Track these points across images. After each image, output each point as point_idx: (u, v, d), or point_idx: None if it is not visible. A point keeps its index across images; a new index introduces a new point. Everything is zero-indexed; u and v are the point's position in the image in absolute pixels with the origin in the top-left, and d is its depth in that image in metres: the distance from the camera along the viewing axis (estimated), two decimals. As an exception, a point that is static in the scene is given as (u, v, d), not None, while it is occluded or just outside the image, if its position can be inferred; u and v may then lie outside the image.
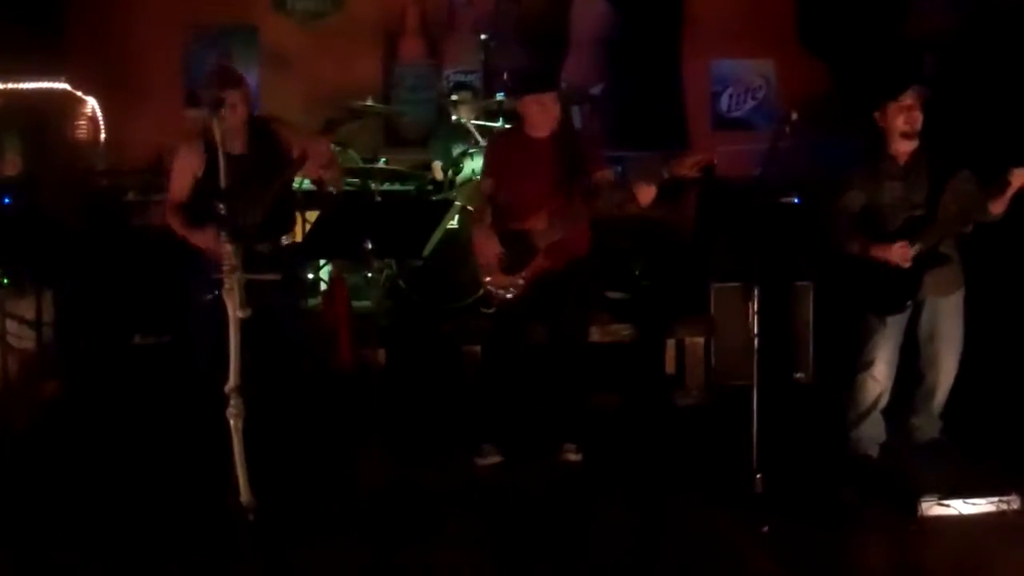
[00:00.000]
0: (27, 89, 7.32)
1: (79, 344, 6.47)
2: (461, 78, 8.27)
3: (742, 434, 4.71)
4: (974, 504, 4.59)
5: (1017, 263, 6.24)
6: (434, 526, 4.59)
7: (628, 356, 6.71)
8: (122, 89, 7.86)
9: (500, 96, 7.41)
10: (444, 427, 5.89)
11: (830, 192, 5.24)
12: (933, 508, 4.57)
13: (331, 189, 5.97)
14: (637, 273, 7.16)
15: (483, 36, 8.19)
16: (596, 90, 8.48)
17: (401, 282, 6.87)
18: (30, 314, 6.38)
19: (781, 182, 6.67)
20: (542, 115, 5.38)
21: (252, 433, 4.42)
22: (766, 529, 4.41)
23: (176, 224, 5.05)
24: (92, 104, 7.71)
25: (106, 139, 7.74)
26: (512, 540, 4.48)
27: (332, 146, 5.28)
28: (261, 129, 5.12)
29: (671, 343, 6.81)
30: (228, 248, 4.37)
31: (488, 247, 5.37)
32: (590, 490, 5.06)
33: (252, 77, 7.29)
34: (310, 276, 6.87)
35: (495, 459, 5.37)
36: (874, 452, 5.23)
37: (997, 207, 4.86)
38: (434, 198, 7.19)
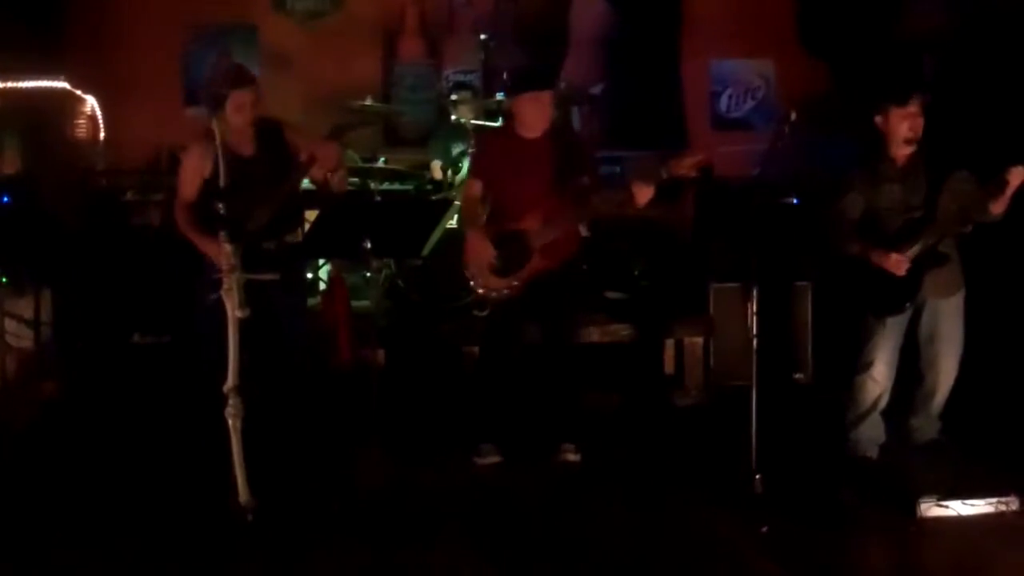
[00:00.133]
0: (26, 88, 7.32)
1: (78, 343, 6.46)
2: (461, 78, 8.27)
3: (741, 434, 4.72)
4: (973, 505, 4.58)
5: (1017, 264, 6.24)
6: (433, 526, 4.59)
7: (627, 356, 6.72)
8: (121, 88, 7.87)
9: (500, 96, 7.40)
10: (443, 427, 5.89)
11: (829, 195, 5.24)
12: (932, 509, 4.57)
13: (326, 190, 5.97)
14: (636, 273, 7.17)
15: (482, 36, 8.21)
16: (595, 90, 8.47)
17: (400, 282, 6.87)
18: (29, 313, 6.39)
19: (780, 182, 6.67)
20: (539, 114, 5.37)
21: (251, 433, 4.43)
22: (765, 529, 4.41)
23: (184, 227, 5.04)
24: (91, 103, 7.71)
25: (105, 138, 7.74)
26: (511, 540, 4.47)
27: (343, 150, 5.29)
28: (270, 131, 5.11)
29: (670, 343, 6.81)
30: (227, 248, 4.38)
31: (482, 250, 5.34)
32: (589, 490, 5.06)
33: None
34: (309, 276, 6.87)
35: (494, 459, 5.37)
36: (873, 453, 5.23)
37: (997, 207, 4.86)
38: (433, 198, 7.19)
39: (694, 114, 8.90)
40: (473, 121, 7.39)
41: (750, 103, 8.96)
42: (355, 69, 8.34)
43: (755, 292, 4.71)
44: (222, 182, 4.46)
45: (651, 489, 5.05)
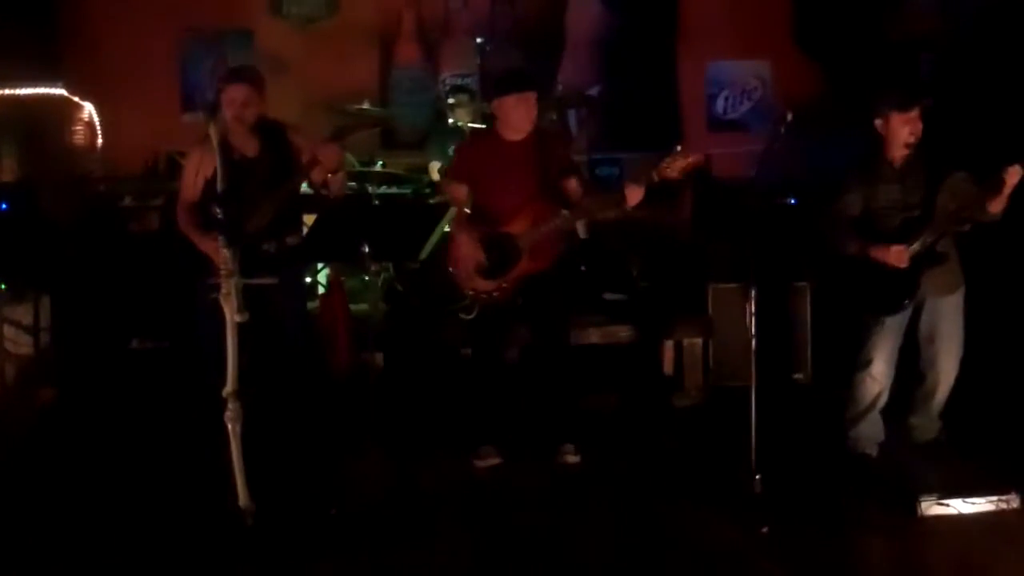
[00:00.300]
0: (24, 95, 7.33)
1: (77, 349, 6.46)
2: (457, 81, 8.27)
3: (741, 435, 4.71)
4: (973, 504, 4.58)
5: (1017, 263, 6.24)
6: (432, 529, 4.59)
7: (626, 357, 6.72)
8: (119, 94, 7.86)
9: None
10: (442, 429, 5.88)
11: (828, 195, 5.24)
12: (933, 508, 4.57)
13: (325, 192, 5.97)
14: (635, 274, 7.16)
15: (479, 39, 8.20)
16: (592, 92, 8.47)
17: (399, 285, 6.86)
18: (27, 319, 6.39)
19: (777, 183, 6.67)
20: (524, 115, 5.35)
21: (250, 437, 4.43)
22: (765, 530, 4.40)
23: (185, 225, 5.07)
24: (89, 109, 7.72)
25: (103, 144, 7.74)
26: (511, 542, 4.47)
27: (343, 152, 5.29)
28: (274, 132, 5.13)
29: (669, 344, 6.81)
30: (225, 253, 4.38)
31: (469, 252, 5.31)
32: (588, 492, 5.05)
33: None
34: (308, 279, 6.87)
35: (494, 461, 5.37)
36: (873, 451, 5.24)
37: (995, 205, 4.86)
38: (431, 201, 7.19)
39: (691, 115, 8.90)
40: (470, 124, 7.39)
41: (747, 104, 8.96)
42: (352, 73, 8.33)
43: (754, 293, 4.71)
44: (219, 187, 4.46)
45: (651, 490, 5.05)
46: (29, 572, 4.26)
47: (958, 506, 4.57)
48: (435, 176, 7.34)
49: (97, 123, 7.73)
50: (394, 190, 7.62)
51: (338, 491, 4.81)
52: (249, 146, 5.07)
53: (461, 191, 5.44)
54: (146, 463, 5.41)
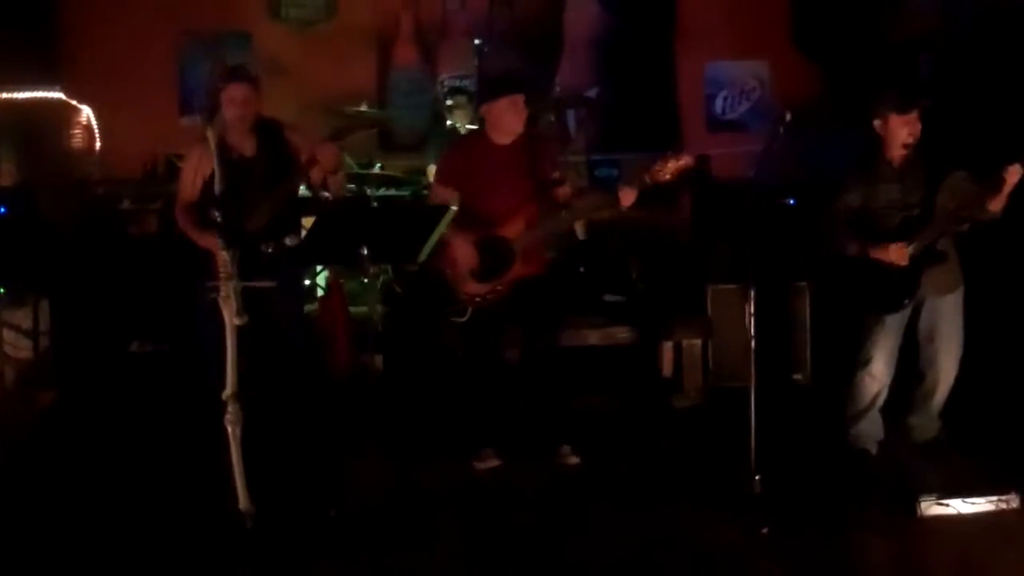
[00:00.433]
0: (22, 98, 7.33)
1: (76, 353, 6.45)
2: (456, 83, 8.27)
3: (740, 436, 4.71)
4: (973, 503, 4.58)
5: (1017, 263, 6.24)
6: (432, 531, 4.59)
7: (626, 359, 6.72)
8: (117, 98, 7.85)
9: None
10: (441, 432, 5.88)
11: (827, 195, 5.24)
12: (932, 507, 4.57)
13: (325, 194, 5.96)
14: (634, 276, 7.16)
15: (477, 41, 8.20)
16: (590, 93, 8.47)
17: (398, 287, 6.86)
18: (27, 323, 6.39)
19: (776, 183, 6.67)
20: (516, 118, 5.36)
21: (250, 439, 4.43)
22: (765, 530, 4.40)
23: (184, 225, 5.08)
24: (87, 113, 7.71)
25: (101, 148, 7.74)
26: (510, 544, 4.47)
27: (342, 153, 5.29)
28: (272, 132, 5.12)
29: (668, 345, 6.80)
30: (224, 255, 4.38)
31: (465, 255, 5.31)
32: (588, 493, 5.06)
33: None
34: (307, 282, 6.87)
35: (493, 463, 5.37)
36: (872, 449, 5.24)
37: (995, 204, 4.87)
38: (429, 203, 7.18)
39: (689, 116, 8.89)
40: (468, 126, 7.38)
41: (745, 105, 8.96)
42: (350, 75, 8.32)
43: (753, 293, 4.71)
44: (217, 189, 4.46)
45: (650, 491, 5.05)
46: (29, 573, 4.26)
47: (958, 506, 4.57)
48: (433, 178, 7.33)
49: (95, 126, 7.72)
50: (392, 192, 7.62)
51: (338, 493, 4.80)
52: (247, 146, 5.07)
53: (447, 195, 5.41)
54: (146, 466, 5.41)
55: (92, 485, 5.21)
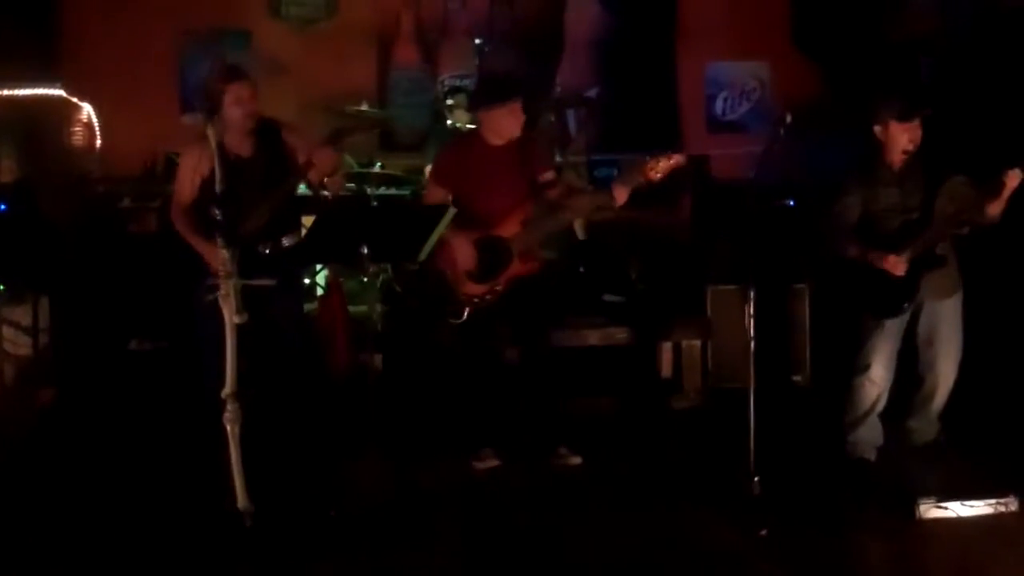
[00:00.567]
0: (23, 95, 7.33)
1: (75, 350, 6.45)
2: (456, 82, 8.27)
3: (739, 437, 4.71)
4: (972, 506, 4.58)
5: (1015, 266, 6.24)
6: (431, 530, 4.59)
7: (625, 359, 6.72)
8: (117, 95, 7.85)
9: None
10: (441, 431, 5.88)
11: (827, 197, 5.24)
12: (931, 510, 4.57)
13: (325, 194, 5.97)
14: (634, 276, 7.16)
15: (478, 40, 8.20)
16: (591, 93, 8.47)
17: (397, 286, 6.86)
18: (26, 320, 6.38)
19: (776, 185, 6.68)
20: (516, 122, 5.36)
21: (249, 438, 4.43)
22: (764, 532, 4.41)
23: (181, 227, 5.03)
24: (88, 110, 7.71)
25: (102, 145, 7.74)
26: (510, 544, 4.47)
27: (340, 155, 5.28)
28: (270, 132, 5.09)
29: (668, 346, 6.81)
30: (224, 254, 4.38)
31: (465, 256, 5.30)
32: (587, 494, 5.06)
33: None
34: (306, 281, 6.87)
35: (492, 463, 5.37)
36: (871, 455, 5.24)
37: (994, 208, 4.87)
38: (424, 203, 7.17)
39: (690, 117, 8.90)
40: (469, 125, 7.38)
41: (746, 106, 8.97)
42: (350, 75, 8.33)
43: (752, 294, 4.71)
44: (218, 188, 4.45)
45: (649, 492, 5.05)
46: (29, 572, 4.26)
47: (956, 509, 4.57)
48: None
49: (96, 124, 7.73)
50: (392, 191, 7.63)
51: (337, 492, 4.80)
52: (244, 146, 5.03)
53: (441, 195, 5.40)
54: (145, 464, 5.41)
55: (91, 483, 5.21)
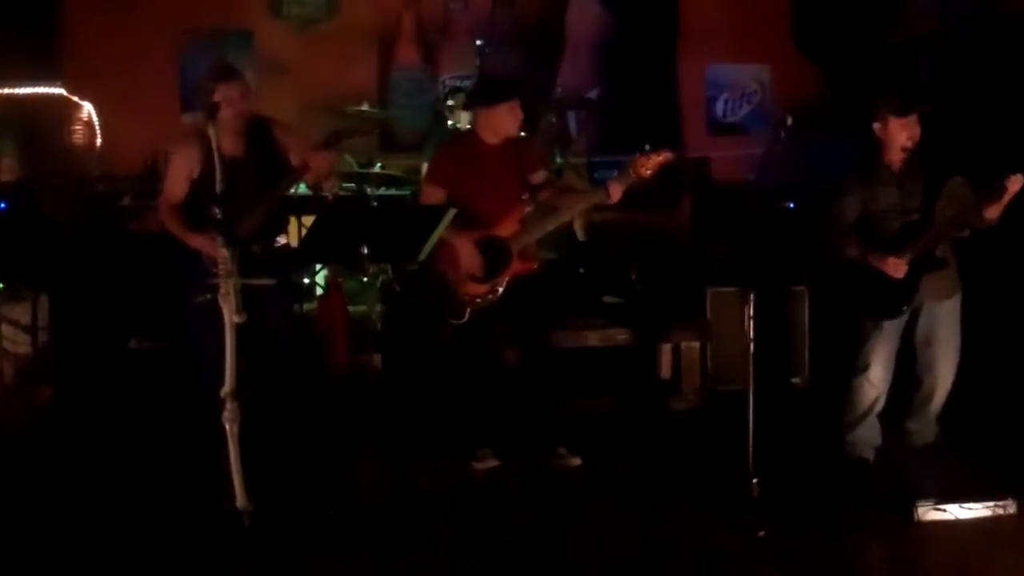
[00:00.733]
0: (23, 94, 7.33)
1: (75, 349, 6.45)
2: (457, 83, 8.28)
3: (738, 439, 4.72)
4: (970, 508, 4.58)
5: (1014, 268, 6.25)
6: (431, 530, 4.59)
7: (624, 361, 6.72)
8: (118, 94, 7.85)
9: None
10: (440, 431, 5.88)
11: (826, 198, 5.25)
12: (929, 512, 4.57)
13: (326, 194, 5.97)
14: (633, 277, 7.16)
15: (478, 41, 8.20)
16: (591, 94, 8.48)
17: (397, 287, 6.85)
18: (26, 319, 6.38)
19: (776, 187, 6.68)
20: (515, 121, 5.39)
21: (248, 438, 4.43)
22: (762, 534, 4.41)
23: (171, 225, 5.01)
24: (88, 109, 7.72)
25: (102, 144, 7.75)
26: (509, 544, 4.47)
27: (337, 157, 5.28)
28: (261, 131, 5.08)
29: (667, 348, 6.80)
30: (224, 253, 4.37)
31: (468, 257, 5.30)
32: (586, 495, 5.06)
33: (247, 82, 7.29)
34: (305, 281, 6.87)
35: (492, 463, 5.37)
36: (870, 456, 5.24)
37: (992, 212, 4.87)
38: (420, 203, 7.18)
39: (690, 119, 8.91)
40: (469, 126, 7.38)
41: (746, 108, 8.97)
42: (351, 75, 8.33)
43: (752, 296, 4.71)
44: (219, 187, 4.44)
45: (648, 494, 5.06)
46: (29, 572, 4.26)
47: (954, 511, 4.57)
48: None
49: (96, 123, 7.73)
50: (393, 192, 7.62)
51: (336, 492, 4.81)
52: (237, 146, 5.01)
53: (437, 195, 5.40)
54: (144, 463, 5.41)
55: (90, 481, 5.21)
